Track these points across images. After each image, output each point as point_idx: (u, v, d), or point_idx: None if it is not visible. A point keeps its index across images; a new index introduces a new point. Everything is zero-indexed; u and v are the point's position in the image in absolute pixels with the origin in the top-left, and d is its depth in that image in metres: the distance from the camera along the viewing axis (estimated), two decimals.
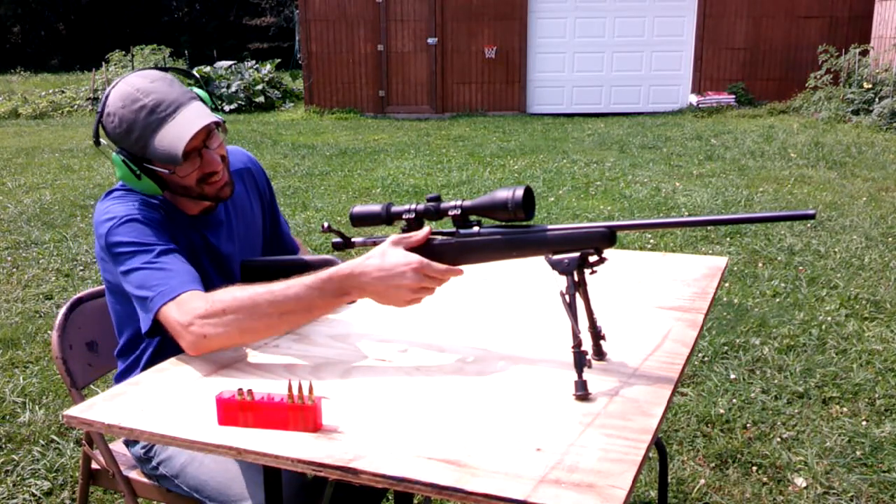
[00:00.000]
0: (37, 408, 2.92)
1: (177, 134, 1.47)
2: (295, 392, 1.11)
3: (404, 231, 1.38)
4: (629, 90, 11.73)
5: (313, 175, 7.35)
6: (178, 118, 1.49)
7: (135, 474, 1.69)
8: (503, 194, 1.26)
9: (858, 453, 2.52)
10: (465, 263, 1.36)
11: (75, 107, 13.20)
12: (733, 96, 11.21)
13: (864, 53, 10.30)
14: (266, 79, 13.36)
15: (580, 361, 1.19)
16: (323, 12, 11.72)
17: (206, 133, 1.54)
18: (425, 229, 1.36)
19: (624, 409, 1.14)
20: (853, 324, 3.52)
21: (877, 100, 9.36)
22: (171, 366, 1.36)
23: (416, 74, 11.85)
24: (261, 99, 12.87)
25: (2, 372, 3.27)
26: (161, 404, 1.21)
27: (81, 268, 4.62)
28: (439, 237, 1.36)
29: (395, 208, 1.38)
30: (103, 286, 1.66)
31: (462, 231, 1.34)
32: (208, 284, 1.49)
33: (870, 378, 3.01)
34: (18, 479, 2.49)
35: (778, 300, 3.85)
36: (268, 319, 1.36)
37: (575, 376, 1.18)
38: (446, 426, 1.11)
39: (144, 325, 1.42)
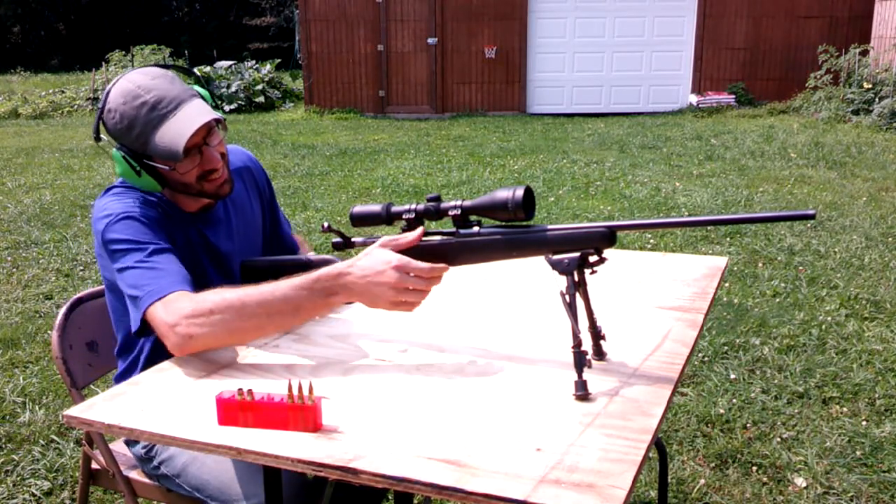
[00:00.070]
0: (37, 408, 2.92)
1: (178, 131, 1.48)
2: (295, 392, 1.10)
3: (404, 231, 1.39)
4: (629, 90, 11.73)
5: (313, 175, 7.35)
6: (178, 115, 1.49)
7: (135, 474, 1.69)
8: (503, 194, 1.26)
9: (858, 453, 2.52)
10: (465, 263, 1.36)
11: (75, 107, 13.20)
12: (733, 96, 11.21)
13: (864, 53, 10.30)
14: (266, 79, 13.36)
15: (580, 361, 1.19)
16: (323, 12, 11.72)
17: (207, 130, 1.54)
18: (418, 230, 1.36)
19: (624, 409, 1.14)
20: (853, 324, 3.52)
21: (877, 100, 9.36)
22: (171, 366, 1.36)
23: (416, 74, 11.85)
24: (261, 99, 12.88)
25: (2, 372, 3.27)
26: (161, 404, 1.21)
27: (81, 268, 4.62)
28: (439, 237, 1.37)
29: (395, 208, 1.38)
30: (103, 286, 1.66)
31: (462, 231, 1.34)
32: (207, 282, 1.48)
33: (870, 378, 3.01)
34: (18, 479, 2.49)
35: (778, 300, 3.85)
36: (256, 320, 1.35)
37: (575, 376, 1.18)
38: (446, 426, 1.11)
39: (134, 324, 1.42)
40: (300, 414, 1.10)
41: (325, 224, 1.47)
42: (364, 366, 1.34)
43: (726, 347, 3.32)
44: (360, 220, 1.41)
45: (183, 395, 1.25)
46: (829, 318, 3.59)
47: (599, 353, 1.32)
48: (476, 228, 1.33)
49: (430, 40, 11.65)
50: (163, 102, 1.49)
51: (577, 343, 1.19)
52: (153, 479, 1.66)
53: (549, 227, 1.28)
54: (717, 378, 3.04)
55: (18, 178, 7.48)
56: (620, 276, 1.76)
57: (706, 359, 3.23)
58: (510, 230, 1.31)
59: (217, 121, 1.55)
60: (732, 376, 3.06)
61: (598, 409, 1.14)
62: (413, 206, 1.37)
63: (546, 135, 9.74)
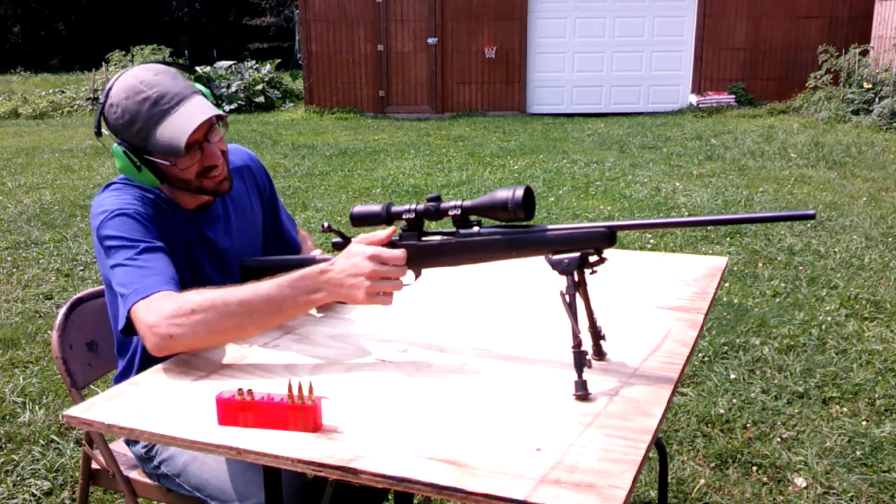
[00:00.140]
0: (37, 408, 2.92)
1: (179, 126, 1.48)
2: (295, 392, 1.10)
3: (404, 231, 1.39)
4: (629, 90, 11.73)
5: (313, 175, 7.35)
6: (180, 111, 1.50)
7: (135, 474, 1.69)
8: (503, 194, 1.26)
9: (858, 453, 2.52)
10: (465, 263, 1.36)
11: (75, 107, 13.20)
12: (733, 96, 11.21)
13: (864, 53, 10.30)
14: (266, 79, 13.36)
15: (580, 361, 1.19)
16: (323, 12, 11.72)
17: (208, 127, 1.55)
18: (389, 229, 1.39)
19: (624, 409, 1.14)
20: (853, 324, 3.52)
21: (877, 100, 9.36)
22: (171, 366, 1.36)
23: (416, 74, 11.85)
24: (261, 99, 12.87)
25: (2, 372, 3.27)
26: (161, 404, 1.21)
27: (81, 268, 4.62)
28: (439, 237, 1.37)
29: (395, 208, 1.38)
30: (103, 286, 1.66)
31: (462, 231, 1.34)
32: (205, 280, 1.49)
33: (870, 378, 3.01)
34: (18, 479, 2.49)
35: (778, 300, 3.85)
36: (237, 319, 1.35)
37: (575, 376, 1.18)
38: (446, 426, 1.11)
39: (120, 322, 1.43)
40: (300, 414, 1.10)
41: (325, 224, 1.47)
42: (364, 366, 1.34)
43: (726, 347, 3.32)
44: (360, 220, 1.41)
45: (183, 395, 1.25)
46: (829, 318, 3.59)
47: (599, 353, 1.32)
48: (476, 228, 1.33)
49: (430, 40, 11.65)
50: (165, 98, 1.50)
51: (577, 343, 1.19)
52: (153, 479, 1.66)
53: (549, 227, 1.28)
54: (717, 378, 3.04)
55: (18, 178, 7.48)
56: (620, 276, 1.76)
57: (706, 359, 3.23)
58: (510, 230, 1.31)
59: (218, 117, 1.56)
60: (732, 376, 3.06)
61: (598, 409, 1.14)
62: (413, 206, 1.37)
63: (546, 135, 9.74)
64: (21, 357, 3.41)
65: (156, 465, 1.62)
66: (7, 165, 8.19)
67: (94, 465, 1.76)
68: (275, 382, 1.28)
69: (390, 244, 1.38)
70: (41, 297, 4.15)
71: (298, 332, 1.51)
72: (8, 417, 2.88)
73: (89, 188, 6.90)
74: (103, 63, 14.48)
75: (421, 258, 1.39)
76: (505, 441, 1.06)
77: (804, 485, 2.38)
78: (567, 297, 1.21)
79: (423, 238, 1.38)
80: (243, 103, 12.67)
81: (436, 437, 1.07)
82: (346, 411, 1.16)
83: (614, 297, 1.62)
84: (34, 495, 2.41)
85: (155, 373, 1.34)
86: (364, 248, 1.35)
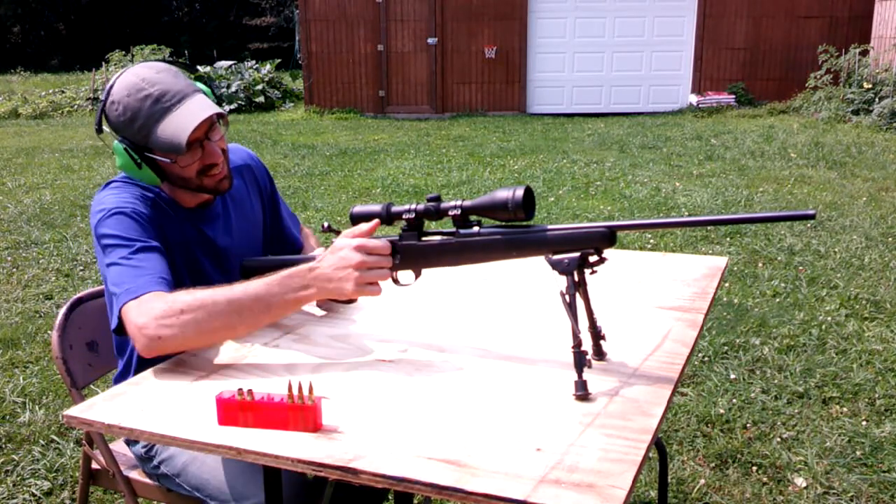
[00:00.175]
0: (37, 408, 2.92)
1: (180, 124, 1.49)
2: (295, 392, 1.10)
3: (404, 230, 1.39)
4: (629, 90, 11.73)
5: (313, 175, 7.35)
6: (182, 108, 1.50)
7: (135, 474, 1.69)
8: (503, 194, 1.26)
9: (858, 453, 2.52)
10: (465, 263, 1.36)
11: (75, 107, 13.20)
12: (733, 96, 11.21)
13: (864, 53, 10.30)
14: (266, 79, 13.36)
15: (580, 361, 1.19)
16: (323, 12, 11.72)
17: (209, 125, 1.55)
18: (374, 221, 1.40)
19: (624, 409, 1.14)
20: (853, 324, 3.52)
21: (877, 100, 9.36)
22: (171, 366, 1.36)
23: (416, 74, 11.85)
24: (261, 99, 12.87)
25: (2, 372, 3.27)
26: (161, 404, 1.21)
27: (81, 268, 4.62)
28: (439, 237, 1.37)
29: (395, 208, 1.38)
30: (103, 286, 1.66)
31: (462, 231, 1.34)
32: (204, 279, 1.49)
33: (870, 378, 3.01)
34: (18, 479, 2.49)
35: (778, 300, 3.85)
36: (226, 318, 1.35)
37: (575, 376, 1.18)
38: (446, 426, 1.10)
39: (112, 322, 1.43)
40: (300, 414, 1.10)
41: (325, 224, 1.47)
42: (364, 366, 1.34)
43: (726, 347, 3.32)
44: (360, 220, 1.41)
45: (183, 395, 1.25)
46: (829, 318, 3.59)
47: (599, 353, 1.32)
48: (476, 228, 1.33)
49: (430, 40, 11.65)
50: (166, 96, 1.50)
51: (577, 343, 1.19)
52: (153, 479, 1.66)
53: (549, 227, 1.28)
54: (717, 378, 3.04)
55: (18, 178, 7.48)
56: (620, 276, 1.76)
57: (706, 359, 3.23)
58: (510, 230, 1.30)
59: (219, 115, 1.56)
60: (732, 376, 3.06)
61: (598, 409, 1.14)
62: (413, 206, 1.37)
63: (546, 135, 9.74)
64: (21, 357, 3.41)
65: (155, 465, 1.63)
66: (7, 165, 8.19)
67: (94, 465, 1.76)
68: (275, 382, 1.28)
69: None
70: (41, 297, 4.15)
71: (298, 332, 1.51)
72: (8, 417, 2.88)
73: (89, 188, 6.90)
74: (103, 63, 14.48)
75: (421, 258, 1.39)
76: (505, 441, 1.06)
77: (804, 485, 2.38)
78: (567, 297, 1.21)
79: (423, 238, 1.38)
80: (243, 103, 12.67)
81: (436, 437, 1.07)
82: (346, 411, 1.16)
83: (614, 297, 1.62)
84: (34, 495, 2.41)
85: (155, 373, 1.34)
86: (349, 240, 1.36)
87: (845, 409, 2.80)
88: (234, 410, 1.13)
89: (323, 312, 1.61)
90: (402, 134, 10.07)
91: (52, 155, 8.77)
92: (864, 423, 2.70)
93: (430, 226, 1.38)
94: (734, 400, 2.88)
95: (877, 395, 2.88)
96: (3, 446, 2.68)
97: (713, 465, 2.50)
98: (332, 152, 8.63)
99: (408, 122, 11.35)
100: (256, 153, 1.91)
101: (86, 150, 9.00)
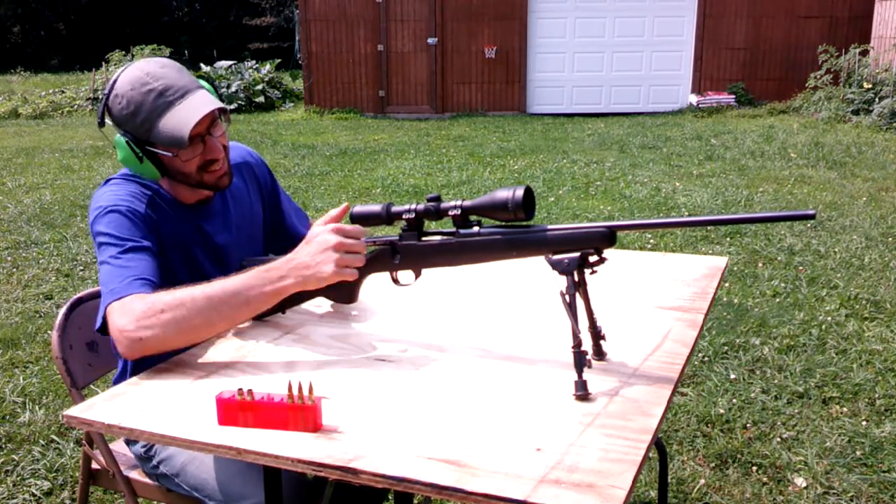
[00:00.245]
0: (37, 408, 2.92)
1: (183, 117, 1.50)
2: (295, 392, 1.10)
3: (404, 230, 1.39)
4: (629, 90, 11.73)
5: (313, 175, 7.35)
6: (185, 103, 1.52)
7: (135, 474, 1.69)
8: (503, 194, 1.26)
9: (858, 453, 2.52)
10: (465, 263, 1.36)
11: (75, 107, 13.20)
12: (733, 96, 11.21)
13: (864, 53, 10.30)
14: (266, 79, 13.35)
15: (580, 361, 1.19)
16: (323, 12, 11.72)
17: (211, 120, 1.56)
18: (343, 205, 1.45)
19: (624, 409, 1.14)
20: (853, 324, 3.52)
21: (877, 100, 9.36)
22: (171, 366, 1.36)
23: (416, 74, 11.85)
24: (261, 99, 12.87)
25: (2, 372, 3.27)
26: (161, 404, 1.21)
27: (81, 268, 4.62)
28: (439, 237, 1.37)
29: (395, 208, 1.38)
30: None
31: (462, 231, 1.34)
32: (203, 276, 1.49)
33: (870, 378, 3.01)
34: (18, 479, 2.49)
35: (778, 300, 3.85)
36: (206, 314, 1.35)
37: (575, 376, 1.18)
38: (446, 426, 1.10)
39: (97, 321, 1.43)
40: (300, 414, 1.10)
41: None
42: (364, 366, 1.34)
43: (726, 347, 3.32)
44: (360, 220, 1.41)
45: (183, 395, 1.25)
46: (829, 318, 3.59)
47: (599, 353, 1.32)
48: (476, 228, 1.33)
49: (430, 40, 11.65)
50: (170, 90, 1.51)
51: (577, 343, 1.19)
52: (153, 479, 1.66)
53: (549, 227, 1.27)
54: (717, 378, 3.04)
55: (18, 178, 7.48)
56: (620, 276, 1.76)
57: (706, 359, 3.23)
58: (510, 230, 1.30)
59: (221, 111, 1.57)
60: (732, 376, 3.06)
61: (598, 409, 1.14)
62: (413, 206, 1.37)
63: (546, 135, 9.74)
64: (21, 357, 3.41)
65: (155, 464, 1.63)
66: (7, 165, 8.19)
67: (94, 465, 1.76)
68: (275, 382, 1.28)
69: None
70: (41, 297, 4.15)
71: (298, 332, 1.51)
72: (8, 417, 2.88)
73: (89, 188, 6.90)
74: (103, 63, 14.48)
75: (421, 258, 1.39)
76: (505, 441, 1.06)
77: (804, 485, 2.38)
78: (567, 297, 1.21)
79: (423, 238, 1.38)
80: (243, 103, 12.67)
81: (436, 437, 1.07)
82: (346, 411, 1.16)
83: (614, 297, 1.62)
84: (34, 495, 2.41)
85: (155, 373, 1.34)
86: (323, 227, 1.39)
87: (845, 409, 2.80)
88: (234, 410, 1.13)
89: (323, 312, 1.61)
90: (402, 134, 10.07)
91: (52, 155, 8.77)
92: (864, 423, 2.70)
93: (430, 226, 1.38)
94: (734, 400, 2.88)
95: (877, 395, 2.88)
96: (3, 446, 2.68)
97: (713, 465, 2.50)
98: (332, 152, 8.63)
99: (408, 122, 11.35)
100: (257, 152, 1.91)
101: (86, 150, 9.00)
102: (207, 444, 1.10)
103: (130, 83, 1.52)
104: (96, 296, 1.80)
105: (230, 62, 13.80)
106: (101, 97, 1.83)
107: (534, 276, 1.72)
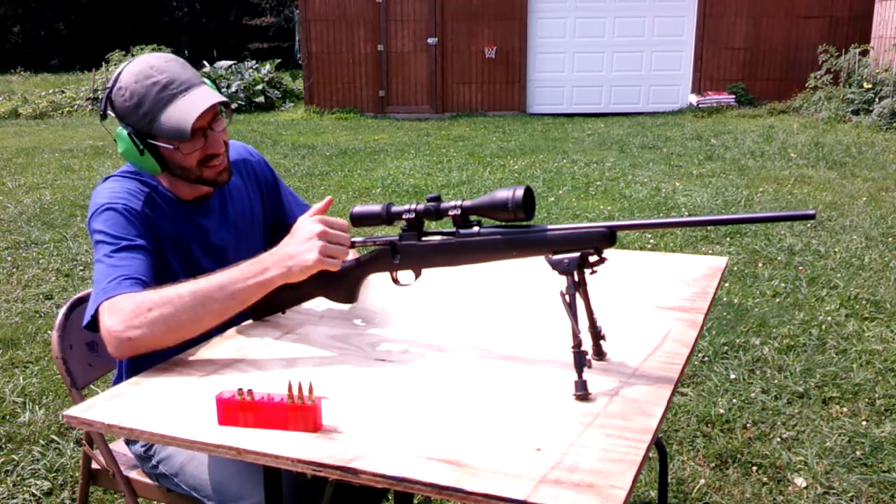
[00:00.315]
0: (37, 408, 2.92)
1: (186, 110, 1.51)
2: (295, 392, 1.10)
3: (404, 230, 1.39)
4: (629, 90, 11.73)
5: (313, 175, 7.35)
6: (188, 96, 1.53)
7: (135, 474, 1.69)
8: (503, 194, 1.26)
9: (858, 453, 2.52)
10: (465, 263, 1.36)
11: (75, 107, 13.20)
12: (733, 96, 11.21)
13: (864, 53, 10.30)
14: (266, 79, 13.36)
15: (580, 361, 1.19)
16: (323, 12, 11.72)
17: (213, 115, 1.57)
18: (327, 198, 1.46)
19: (624, 409, 1.14)
20: (853, 324, 3.52)
21: (877, 100, 9.36)
22: (171, 366, 1.36)
23: (416, 74, 11.85)
24: (261, 99, 12.87)
25: (2, 372, 3.27)
26: (161, 404, 1.21)
27: (81, 268, 4.62)
28: (439, 237, 1.37)
29: (395, 208, 1.38)
30: None
31: (462, 231, 1.34)
32: (200, 273, 1.49)
33: (870, 378, 3.01)
34: (18, 479, 2.49)
35: (778, 300, 3.85)
36: (192, 311, 1.35)
37: (575, 376, 1.18)
38: (446, 426, 1.10)
39: (85, 318, 1.44)
40: (300, 414, 1.10)
41: None
42: (364, 366, 1.34)
43: (726, 347, 3.32)
44: (360, 220, 1.41)
45: (183, 395, 1.25)
46: (829, 318, 3.59)
47: (599, 353, 1.32)
48: (476, 228, 1.33)
49: (430, 40, 11.65)
50: (174, 84, 1.52)
51: (577, 343, 1.19)
52: (153, 479, 1.66)
53: (549, 227, 1.27)
54: (717, 378, 3.04)
55: (18, 178, 7.48)
56: (620, 276, 1.76)
57: (706, 359, 3.23)
58: (510, 230, 1.30)
59: (224, 105, 1.58)
60: (732, 376, 3.06)
61: (598, 409, 1.14)
62: (413, 206, 1.37)
63: (546, 135, 9.74)
64: (21, 357, 3.41)
65: (154, 464, 1.63)
66: (7, 165, 8.18)
67: (94, 465, 1.76)
68: (275, 382, 1.28)
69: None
70: (41, 297, 4.15)
71: (298, 332, 1.51)
72: (8, 417, 2.88)
73: (89, 188, 6.90)
74: (103, 63, 14.48)
75: (421, 258, 1.39)
76: (505, 441, 1.06)
77: (804, 485, 2.38)
78: (567, 297, 1.21)
79: (424, 238, 1.38)
80: (243, 103, 12.67)
81: (436, 437, 1.07)
82: (346, 411, 1.16)
83: (614, 297, 1.62)
84: (34, 495, 2.41)
85: (155, 373, 1.34)
86: (307, 218, 1.40)
87: (845, 409, 2.80)
88: (234, 410, 1.13)
89: (323, 312, 1.61)
90: (402, 134, 10.07)
91: (52, 155, 8.77)
92: (864, 423, 2.70)
93: (430, 226, 1.38)
94: (734, 400, 2.88)
95: (877, 395, 2.88)
96: (3, 446, 2.68)
97: (713, 465, 2.50)
98: (332, 152, 8.63)
99: (408, 122, 11.35)
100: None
101: (86, 150, 9.00)
102: (207, 444, 1.10)
103: (135, 76, 1.53)
104: None
105: (230, 62, 13.81)
106: (102, 94, 1.83)
107: (534, 276, 1.72)
